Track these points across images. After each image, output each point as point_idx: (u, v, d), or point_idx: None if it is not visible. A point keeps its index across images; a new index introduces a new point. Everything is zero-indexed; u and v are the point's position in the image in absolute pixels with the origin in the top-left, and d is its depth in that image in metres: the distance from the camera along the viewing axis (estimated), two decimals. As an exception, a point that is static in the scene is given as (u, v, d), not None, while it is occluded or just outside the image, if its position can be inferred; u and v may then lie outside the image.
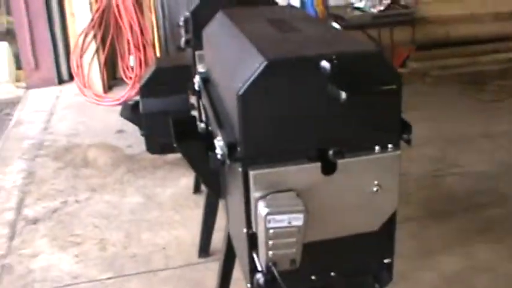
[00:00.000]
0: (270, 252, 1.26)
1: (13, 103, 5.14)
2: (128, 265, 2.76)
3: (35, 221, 3.18)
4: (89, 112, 4.77)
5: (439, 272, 2.53)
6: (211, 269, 2.68)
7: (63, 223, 3.15)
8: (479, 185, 3.23)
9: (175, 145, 1.75)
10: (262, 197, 1.26)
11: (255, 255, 1.34)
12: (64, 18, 5.28)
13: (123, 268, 2.74)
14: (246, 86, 1.21)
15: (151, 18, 4.85)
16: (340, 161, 1.29)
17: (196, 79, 1.82)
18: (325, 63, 1.20)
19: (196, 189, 3.36)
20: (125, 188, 3.48)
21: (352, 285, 1.52)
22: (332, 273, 1.47)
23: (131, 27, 4.85)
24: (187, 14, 3.70)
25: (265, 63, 1.20)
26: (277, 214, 1.23)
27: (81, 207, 3.30)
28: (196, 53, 2.32)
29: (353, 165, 1.31)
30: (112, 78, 5.35)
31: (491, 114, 4.19)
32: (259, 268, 1.31)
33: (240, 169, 1.28)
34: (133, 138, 4.16)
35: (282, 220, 1.24)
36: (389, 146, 1.34)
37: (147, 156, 3.87)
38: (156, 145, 2.90)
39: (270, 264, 1.27)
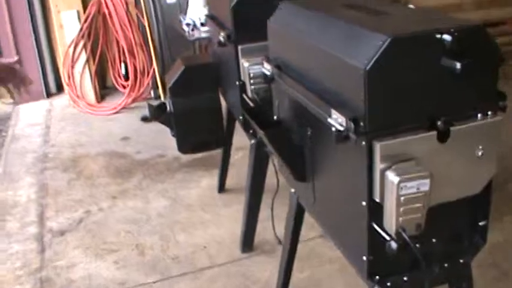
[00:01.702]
0: (401, 219, 1.33)
1: (3, 120, 5.01)
2: (171, 267, 2.76)
3: (62, 233, 3.14)
4: (86, 122, 4.71)
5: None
6: (258, 262, 2.73)
7: (92, 232, 3.12)
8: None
9: (261, 134, 1.80)
10: (387, 168, 1.33)
11: (375, 225, 1.41)
12: (49, 31, 5.22)
13: (168, 270, 2.74)
14: (372, 63, 1.27)
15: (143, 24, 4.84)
16: (452, 129, 1.37)
17: (268, 67, 1.86)
18: (446, 36, 1.28)
19: (221, 189, 3.38)
20: (146, 193, 3.47)
21: (449, 251, 1.61)
22: (433, 240, 1.55)
23: (124, 33, 4.82)
24: (207, 11, 3.76)
25: (389, 40, 1.27)
26: (408, 181, 1.30)
27: (106, 215, 3.27)
28: (240, 46, 2.37)
29: (463, 132, 1.39)
30: (102, 88, 5.30)
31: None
32: (386, 237, 1.37)
33: (363, 142, 1.34)
34: (141, 144, 4.16)
35: (412, 187, 1.31)
36: (489, 113, 1.43)
37: (160, 160, 3.89)
38: (188, 144, 2.93)
39: (400, 230, 1.34)
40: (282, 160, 1.77)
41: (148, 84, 4.93)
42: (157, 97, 4.94)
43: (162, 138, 4.07)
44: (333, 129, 1.39)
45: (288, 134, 1.79)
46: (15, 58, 2.07)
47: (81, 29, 4.90)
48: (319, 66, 1.56)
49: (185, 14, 4.41)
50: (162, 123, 2.90)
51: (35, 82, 5.15)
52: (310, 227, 2.48)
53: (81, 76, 4.99)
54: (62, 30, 4.95)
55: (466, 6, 4.92)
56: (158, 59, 4.87)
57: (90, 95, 5.03)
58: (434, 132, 1.36)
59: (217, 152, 3.34)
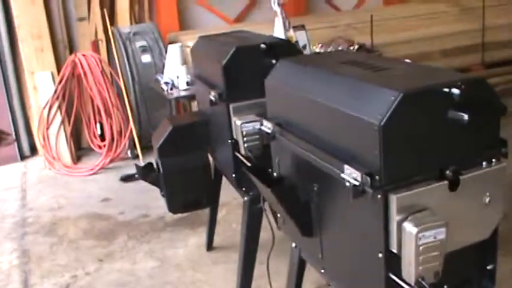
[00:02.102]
0: (420, 268, 1.36)
1: (-25, 185, 4.89)
2: (166, 329, 2.70)
3: (48, 300, 3.04)
4: (64, 184, 4.63)
5: None
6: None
7: (81, 297, 3.03)
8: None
9: (266, 192, 1.82)
10: (403, 219, 1.37)
11: (392, 276, 1.43)
12: (22, 92, 5.19)
13: (163, 332, 2.68)
14: (386, 118, 1.33)
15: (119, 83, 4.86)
16: (462, 177, 1.43)
17: (268, 125, 1.90)
18: (455, 90, 1.35)
19: (209, 247, 3.35)
20: (133, 254, 3.40)
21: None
22: (445, 286, 1.58)
23: (100, 93, 4.83)
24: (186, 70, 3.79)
25: (401, 95, 1.33)
26: (425, 231, 1.34)
27: (93, 278, 3.19)
28: (231, 105, 2.41)
29: (471, 180, 1.45)
30: (77, 149, 5.24)
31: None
32: (405, 286, 1.40)
33: (379, 195, 1.38)
34: (122, 204, 4.11)
35: (429, 236, 1.35)
36: (493, 160, 1.50)
37: (144, 220, 3.85)
38: (178, 204, 2.91)
39: (420, 279, 1.36)
40: (289, 217, 1.79)
41: (125, 144, 4.91)
42: (135, 157, 4.91)
43: (144, 198, 4.04)
44: (347, 184, 1.43)
45: (293, 190, 1.81)
46: None
47: (55, 91, 4.89)
48: (325, 122, 1.61)
49: (162, 73, 4.47)
50: (151, 183, 2.89)
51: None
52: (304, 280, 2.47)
53: (56, 138, 4.94)
54: (36, 92, 4.93)
55: (433, 55, 5.16)
56: (135, 118, 4.88)
57: (66, 156, 4.97)
58: (446, 182, 1.41)
59: (202, 210, 3.32)
